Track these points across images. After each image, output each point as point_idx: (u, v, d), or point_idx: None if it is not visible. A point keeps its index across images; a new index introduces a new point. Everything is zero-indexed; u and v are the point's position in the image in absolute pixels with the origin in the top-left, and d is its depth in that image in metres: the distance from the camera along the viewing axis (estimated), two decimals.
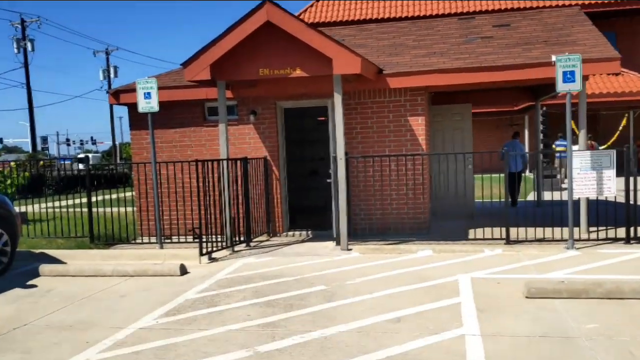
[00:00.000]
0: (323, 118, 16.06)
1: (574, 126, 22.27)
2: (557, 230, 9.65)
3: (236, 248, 10.20)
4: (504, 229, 9.66)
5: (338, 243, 10.02)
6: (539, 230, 9.83)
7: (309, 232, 11.54)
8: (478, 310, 6.18)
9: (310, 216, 13.46)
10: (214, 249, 9.59)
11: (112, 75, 49.77)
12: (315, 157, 15.51)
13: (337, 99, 9.60)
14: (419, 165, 10.73)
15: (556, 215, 9.90)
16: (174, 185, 11.15)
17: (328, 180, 10.48)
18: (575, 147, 20.79)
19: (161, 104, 11.07)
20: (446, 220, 12.32)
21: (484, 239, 9.73)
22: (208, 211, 9.44)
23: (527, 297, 6.58)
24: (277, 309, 6.58)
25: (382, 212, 10.86)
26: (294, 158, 12.06)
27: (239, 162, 10.47)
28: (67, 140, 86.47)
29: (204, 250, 9.32)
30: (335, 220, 10.19)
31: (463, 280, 7.41)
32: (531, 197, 16.94)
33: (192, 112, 11.77)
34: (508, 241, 9.53)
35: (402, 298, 6.77)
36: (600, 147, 21.14)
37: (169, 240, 10.90)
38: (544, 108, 19.17)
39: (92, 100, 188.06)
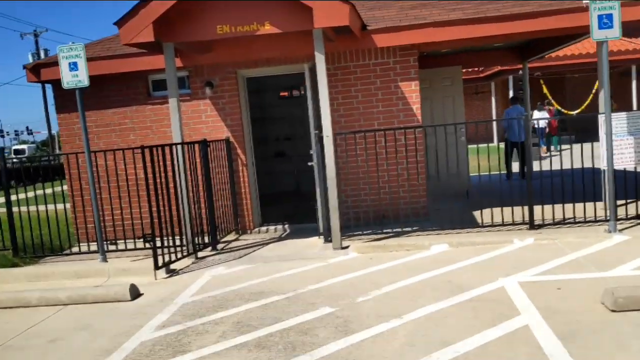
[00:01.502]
0: (286, 93, 13.98)
1: (546, 91, 20.94)
2: (577, 207, 7.99)
3: (200, 254, 8.05)
4: (514, 210, 7.94)
5: (327, 239, 8.03)
6: (558, 208, 8.10)
7: (286, 226, 9.49)
8: (561, 339, 4.33)
9: (283, 206, 11.43)
10: (173, 258, 7.43)
11: (42, 58, 45.60)
12: (281, 136, 13.47)
13: (320, 61, 7.51)
14: (414, 140, 8.80)
15: (557, 188, 8.25)
16: (115, 178, 8.86)
17: (310, 164, 8.44)
18: (539, 114, 19.31)
19: (93, 79, 8.72)
20: (440, 201, 10.50)
21: (502, 225, 7.94)
22: (161, 209, 7.26)
23: (613, 311, 4.78)
24: (274, 354, 4.54)
25: (373, 197, 8.91)
26: (258, 138, 9.96)
27: (196, 146, 8.28)
28: (1, 131, 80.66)
29: (160, 262, 7.15)
30: (322, 212, 8.18)
31: (511, 288, 5.56)
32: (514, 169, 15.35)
33: (132, 88, 9.44)
34: (532, 226, 7.77)
35: (446, 322, 4.85)
36: (574, 113, 19.87)
37: (113, 247, 8.64)
38: (520, 72, 17.61)
39: (25, 87, 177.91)
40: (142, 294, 6.53)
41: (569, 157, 7.74)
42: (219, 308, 5.75)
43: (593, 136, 7.69)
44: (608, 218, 7.52)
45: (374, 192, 8.90)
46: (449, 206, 9.96)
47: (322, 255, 7.45)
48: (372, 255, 7.25)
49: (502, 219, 7.98)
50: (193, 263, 7.68)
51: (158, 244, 7.13)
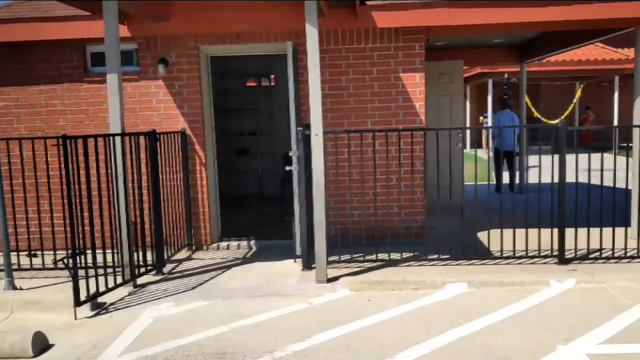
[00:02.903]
0: (253, 82, 12.04)
1: (527, 99, 19.63)
2: (603, 233, 6.38)
3: (141, 280, 6.06)
4: (529, 234, 6.28)
5: (307, 266, 6.21)
6: (582, 233, 6.48)
7: (251, 242, 7.57)
8: None
9: (246, 213, 9.54)
10: (102, 288, 5.42)
11: None
12: (245, 131, 11.54)
13: (311, 36, 5.65)
14: (416, 145, 7.06)
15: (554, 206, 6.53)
16: (33, 174, 6.73)
17: (288, 168, 6.56)
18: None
19: (16, 46, 6.82)
20: (432, 217, 8.80)
21: (526, 257, 6.26)
22: (88, 218, 5.29)
23: None
24: None
25: (361, 212, 7.10)
26: (218, 132, 8.03)
27: (142, 138, 6.28)
28: None
29: (84, 295, 5.16)
30: (300, 230, 6.34)
31: None
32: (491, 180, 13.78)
33: (65, 60, 7.35)
34: (562, 259, 6.15)
35: None
36: (555, 121, 18.60)
37: (26, 265, 6.56)
38: (506, 75, 16.19)
39: None
40: (52, 346, 4.54)
41: (551, 169, 6.13)
42: None
43: (567, 147, 6.16)
44: None
45: (361, 206, 7.10)
46: (445, 224, 8.28)
47: (303, 290, 5.60)
48: (369, 295, 5.44)
49: (526, 247, 6.28)
50: (130, 294, 5.69)
51: (88, 265, 5.14)
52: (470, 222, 8.19)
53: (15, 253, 6.43)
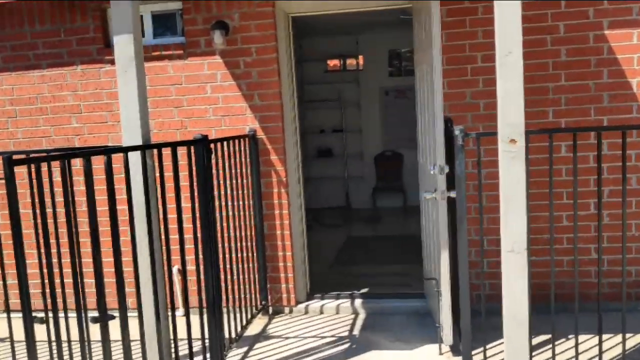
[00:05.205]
0: (336, 61, 9.26)
1: None
2: None
3: None
4: None
5: None
6: None
7: (356, 302, 4.74)
8: None
9: (334, 240, 6.78)
10: None
11: None
12: (326, 126, 8.81)
13: None
14: (630, 149, 4.07)
15: None
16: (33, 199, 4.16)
17: (428, 196, 3.69)
18: None
19: (6, 10, 4.18)
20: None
21: None
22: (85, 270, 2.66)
23: None
24: None
25: (534, 258, 4.18)
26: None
27: (182, 148, 3.56)
28: None
29: None
30: (461, 302, 3.48)
31: None
32: None
33: (77, 30, 4.75)
34: None
35: None
36: None
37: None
38: None
39: None
40: None
41: None
42: None
43: None
44: None
45: (558, 243, 4.17)
46: None
47: None
48: None
49: None
50: None
51: None
52: None
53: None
